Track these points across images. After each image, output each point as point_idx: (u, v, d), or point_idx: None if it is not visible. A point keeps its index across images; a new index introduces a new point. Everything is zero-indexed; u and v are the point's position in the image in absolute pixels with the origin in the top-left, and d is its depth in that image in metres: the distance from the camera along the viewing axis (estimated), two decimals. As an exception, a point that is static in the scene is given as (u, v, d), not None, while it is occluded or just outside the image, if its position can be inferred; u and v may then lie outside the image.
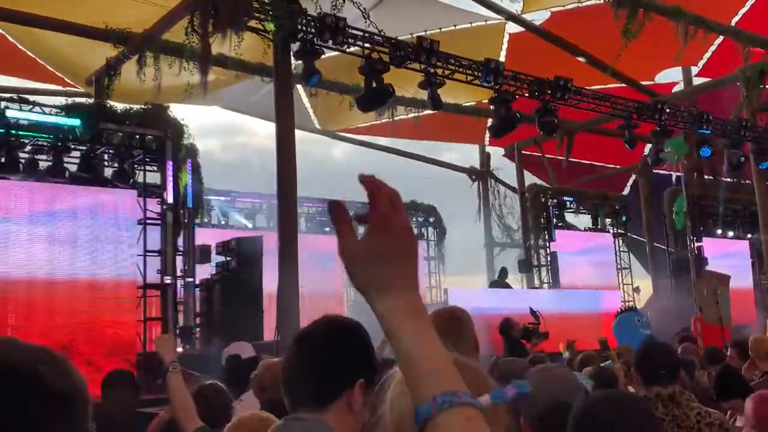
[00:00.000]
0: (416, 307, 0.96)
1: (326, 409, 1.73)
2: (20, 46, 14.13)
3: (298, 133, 19.85)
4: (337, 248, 0.97)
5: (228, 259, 11.79)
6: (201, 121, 25.45)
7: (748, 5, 15.63)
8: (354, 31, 10.74)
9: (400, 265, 0.97)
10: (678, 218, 11.20)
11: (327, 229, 18.46)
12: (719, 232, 19.57)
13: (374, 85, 10.76)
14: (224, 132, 36.14)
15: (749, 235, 19.62)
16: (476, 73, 11.92)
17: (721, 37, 15.49)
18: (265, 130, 19.55)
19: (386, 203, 0.98)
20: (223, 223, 16.69)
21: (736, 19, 15.86)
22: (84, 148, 10.84)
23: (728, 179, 18.83)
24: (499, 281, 16.03)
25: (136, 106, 11.30)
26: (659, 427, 2.03)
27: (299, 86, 16.27)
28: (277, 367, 3.17)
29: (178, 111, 11.86)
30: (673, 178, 16.99)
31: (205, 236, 14.78)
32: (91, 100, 11.95)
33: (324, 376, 1.76)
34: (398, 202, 1.00)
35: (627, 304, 16.53)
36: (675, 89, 19.23)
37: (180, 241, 11.66)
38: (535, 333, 10.00)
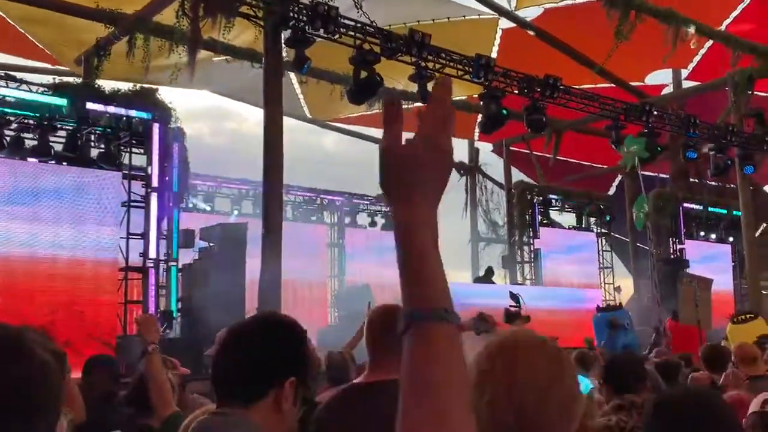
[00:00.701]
0: (436, 226, 0.97)
1: (253, 406, 1.68)
2: (10, 21, 13.97)
3: (289, 121, 19.85)
4: (381, 144, 0.97)
5: (211, 244, 11.74)
6: (191, 105, 25.35)
7: (738, 10, 15.70)
8: (346, 21, 10.71)
9: (433, 182, 0.96)
10: (638, 220, 11.27)
11: (314, 218, 18.48)
12: (702, 234, 19.76)
13: (364, 75, 10.74)
14: (214, 116, 36.05)
15: (731, 239, 19.82)
16: (467, 68, 11.92)
17: (711, 41, 15.56)
18: (255, 116, 19.49)
19: (440, 120, 0.97)
20: (208, 208, 16.63)
21: (727, 22, 15.94)
22: (70, 127, 10.77)
23: (713, 183, 19.00)
24: (484, 278, 16.10)
25: (124, 88, 11.24)
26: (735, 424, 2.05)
27: (291, 74, 16.25)
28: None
29: (166, 94, 11.81)
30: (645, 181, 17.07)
31: (189, 221, 14.74)
32: (79, 80, 11.86)
33: (253, 372, 1.72)
34: (451, 124, 0.98)
35: (607, 302, 16.69)
36: (664, 91, 19.33)
37: (164, 225, 11.63)
38: (516, 316, 10.03)
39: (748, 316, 10.12)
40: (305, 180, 18.54)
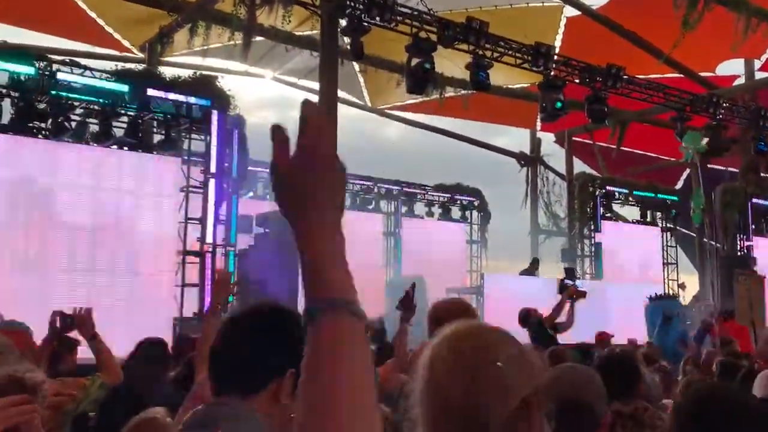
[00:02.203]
0: (335, 229, 1.01)
1: (253, 397, 1.66)
2: (81, 4, 14.34)
3: (351, 111, 20.08)
4: (270, 162, 1.01)
5: (266, 230, 11.89)
6: (258, 94, 25.74)
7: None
8: (403, 9, 10.65)
9: (321, 187, 1.00)
10: (695, 215, 10.88)
11: (370, 207, 18.51)
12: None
13: (417, 63, 10.66)
14: (280, 105, 36.50)
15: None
16: (526, 56, 11.72)
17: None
18: (317, 105, 19.59)
19: (315, 130, 1.02)
20: (266, 195, 16.82)
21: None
22: (132, 113, 11.05)
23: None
24: (528, 270, 15.86)
25: (184, 75, 11.47)
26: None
27: (354, 63, 16.32)
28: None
29: (227, 82, 12.01)
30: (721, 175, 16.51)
31: (248, 207, 14.97)
32: (141, 66, 12.16)
33: (254, 362, 1.69)
34: (325, 132, 1.03)
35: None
36: (736, 83, 18.59)
37: (222, 211, 11.84)
38: (568, 289, 9.77)
39: None
40: (365, 169, 18.59)
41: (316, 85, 16.35)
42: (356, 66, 17.25)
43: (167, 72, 11.60)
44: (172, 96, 11.12)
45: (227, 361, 1.74)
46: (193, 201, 11.28)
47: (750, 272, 12.78)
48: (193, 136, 11.47)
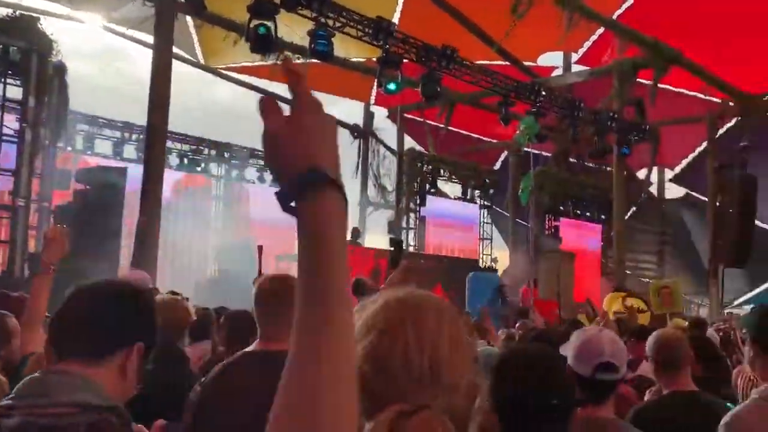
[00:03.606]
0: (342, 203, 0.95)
1: (96, 365, 1.61)
2: None
3: (184, 68, 19.25)
4: (263, 134, 0.96)
5: (88, 187, 11.24)
6: (80, 41, 23.97)
7: (631, 0, 16.38)
8: (246, -33, 10.38)
9: (330, 149, 0.96)
10: (523, 195, 11.78)
11: (199, 169, 18.01)
12: (578, 213, 20.75)
13: (255, 25, 10.43)
14: (103, 55, 34.27)
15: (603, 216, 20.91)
16: (367, 29, 11.85)
17: (602, 29, 16.17)
18: (148, 59, 18.68)
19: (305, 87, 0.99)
20: (87, 150, 15.86)
21: (619, 12, 16.59)
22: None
23: (591, 165, 19.95)
24: (351, 240, 16.30)
25: (1, 13, 10.48)
26: (565, 375, 2.17)
27: (189, 17, 15.66)
28: None
29: (54, 26, 11.13)
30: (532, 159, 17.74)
31: (66, 161, 14.07)
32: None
33: (101, 327, 1.66)
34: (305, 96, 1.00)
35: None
36: (554, 73, 19.98)
37: (38, 163, 11.03)
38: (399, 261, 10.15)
39: (641, 307, 10.71)
40: (195, 129, 18.01)
41: (148, 38, 15.58)
42: (191, 21, 16.58)
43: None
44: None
45: (73, 325, 1.68)
46: (6, 150, 10.40)
47: (558, 250, 13.90)
48: (9, 81, 10.54)
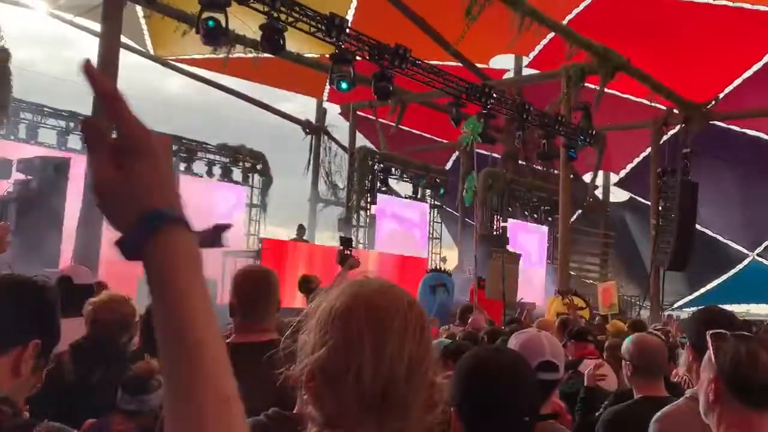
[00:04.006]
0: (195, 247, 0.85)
1: None
2: None
3: (133, 58, 18.89)
4: (91, 179, 0.82)
5: (29, 177, 10.93)
6: (27, 27, 23.33)
7: (582, 6, 16.68)
8: (198, -41, 10.23)
9: (167, 182, 0.85)
10: (467, 195, 11.89)
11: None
12: (525, 214, 21.08)
13: (207, 17, 10.29)
14: (50, 43, 33.41)
15: (550, 218, 21.27)
16: (320, 25, 11.80)
17: (553, 33, 16.43)
18: (96, 48, 18.28)
19: (130, 110, 0.84)
20: (30, 139, 15.42)
21: (570, 17, 16.89)
22: None
23: (539, 167, 20.26)
24: (297, 237, 16.26)
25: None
26: (534, 385, 2.08)
27: (138, 7, 15.36)
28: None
29: (1, 12, 10.80)
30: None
31: (7, 150, 13.64)
32: None
33: None
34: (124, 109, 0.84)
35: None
36: (505, 76, 20.23)
37: (-24, 151, 10.69)
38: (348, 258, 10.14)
39: (580, 304, 10.87)
40: (144, 121, 17.67)
41: (95, 26, 15.24)
42: (140, 11, 16.29)
43: None
44: None
45: None
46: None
47: (503, 250, 14.07)
48: (-53, 65, 10.20)
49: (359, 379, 1.10)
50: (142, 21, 17.17)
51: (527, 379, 1.97)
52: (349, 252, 8.62)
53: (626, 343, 3.42)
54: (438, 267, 17.04)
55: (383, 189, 19.54)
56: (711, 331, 1.99)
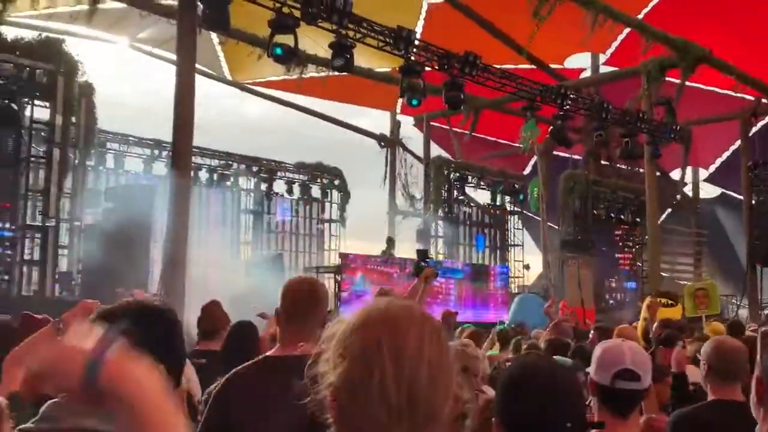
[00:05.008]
0: None
1: None
2: None
3: (213, 84, 19.47)
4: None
5: (117, 205, 11.38)
6: (112, 61, 24.39)
7: (656, 0, 16.15)
8: (265, -18, 10.43)
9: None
10: (532, 201, 11.57)
11: (229, 183, 18.14)
12: (612, 216, 20.42)
13: (279, 39, 10.49)
14: (132, 74, 34.80)
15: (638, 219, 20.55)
16: (388, 39, 11.83)
17: (629, 29, 15.96)
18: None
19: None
20: (117, 168, 16.06)
21: (646, 10, 16.37)
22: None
23: (622, 166, 19.64)
24: (386, 252, 16.22)
25: (27, 37, 10.68)
26: (581, 395, 2.05)
27: (213, 34, 15.81)
28: None
29: (82, 48, 11.33)
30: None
31: (97, 180, 14.26)
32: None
33: None
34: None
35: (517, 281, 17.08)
36: (582, 75, 19.76)
37: (67, 183, 11.20)
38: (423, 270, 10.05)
39: (668, 301, 10.42)
40: (223, 145, 18.19)
41: (173, 56, 15.77)
42: (215, 38, 16.76)
43: (9, 34, 10.74)
44: (14, 59, 10.33)
45: None
46: (34, 172, 10.59)
47: (578, 255, 13.67)
48: (37, 102, 10.73)
49: (383, 384, 1.08)
50: (218, 48, 17.66)
51: (567, 387, 1.91)
52: (425, 263, 8.53)
53: (705, 344, 3.30)
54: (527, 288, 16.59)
55: (461, 198, 19.36)
56: (763, 329, 1.92)
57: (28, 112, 10.68)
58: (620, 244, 19.92)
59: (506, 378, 1.95)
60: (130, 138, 16.20)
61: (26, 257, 10.38)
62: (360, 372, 1.10)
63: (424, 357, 1.12)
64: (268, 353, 2.67)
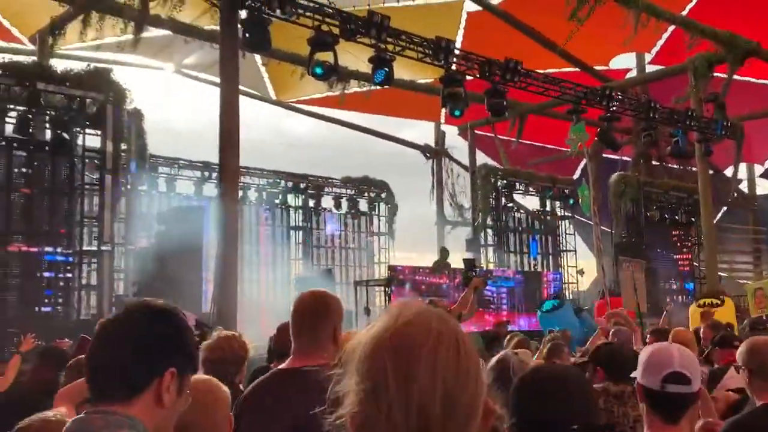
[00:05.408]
0: None
1: (131, 402, 1.59)
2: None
3: (258, 105, 19.79)
4: None
5: (169, 227, 11.63)
6: (159, 87, 25.04)
7: (700, -4, 15.83)
8: (303, 2, 10.56)
9: None
10: (583, 205, 11.33)
11: (277, 201, 18.35)
12: (666, 217, 19.94)
13: (319, 56, 10.62)
14: (182, 99, 35.63)
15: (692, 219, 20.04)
16: (427, 50, 11.85)
17: (674, 27, 15.65)
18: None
19: None
20: (169, 191, 16.39)
21: (690, 6, 16.04)
22: (21, 108, 10.53)
23: (674, 166, 19.20)
24: (440, 262, 16.10)
25: (77, 68, 11.02)
26: (590, 397, 2.06)
27: (257, 56, 16.08)
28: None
29: (124, 74, 11.65)
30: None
31: (150, 203, 14.58)
32: (30, 59, 11.62)
33: (129, 363, 1.62)
34: None
35: (557, 291, 16.76)
36: (628, 76, 19.44)
37: (120, 208, 11.49)
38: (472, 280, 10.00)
39: (714, 302, 10.16)
40: (270, 163, 18.43)
41: (218, 79, 16.09)
42: (259, 59, 17.04)
43: (59, 65, 11.11)
44: (64, 90, 10.67)
45: (103, 363, 1.66)
46: (89, 198, 10.90)
47: (630, 259, 13.39)
48: (88, 131, 11.05)
49: (389, 417, 1.03)
50: (262, 69, 17.95)
51: (574, 390, 1.94)
52: (473, 273, 8.52)
53: (739, 349, 3.17)
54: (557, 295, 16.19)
55: (509, 205, 19.18)
56: None
57: (80, 141, 10.99)
58: (678, 245, 19.41)
59: (517, 381, 1.99)
60: (181, 161, 16.53)
61: (83, 282, 10.66)
62: (370, 405, 1.06)
63: (437, 380, 1.06)
64: (281, 366, 2.72)
